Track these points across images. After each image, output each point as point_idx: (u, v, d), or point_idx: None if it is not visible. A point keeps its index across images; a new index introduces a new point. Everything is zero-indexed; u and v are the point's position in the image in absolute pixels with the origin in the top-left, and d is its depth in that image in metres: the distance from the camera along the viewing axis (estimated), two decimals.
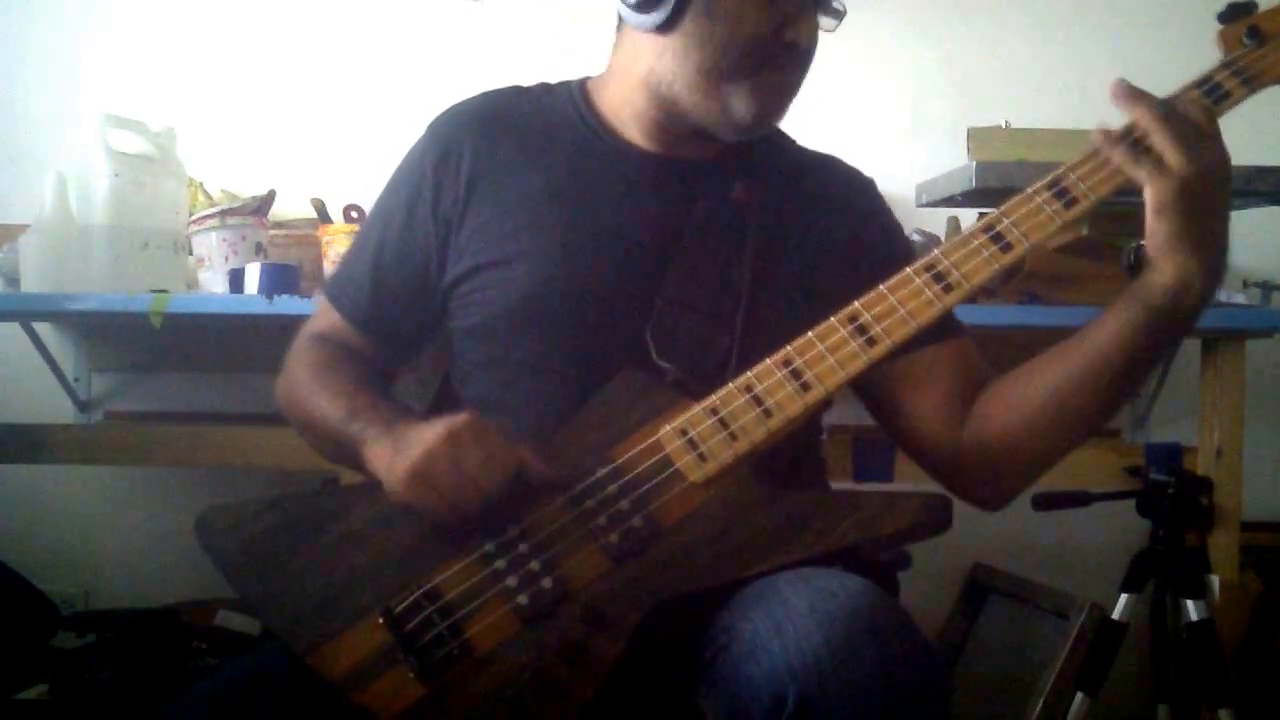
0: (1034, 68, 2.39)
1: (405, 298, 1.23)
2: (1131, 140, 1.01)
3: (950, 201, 2.05)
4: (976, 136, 2.01)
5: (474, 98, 1.26)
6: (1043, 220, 1.03)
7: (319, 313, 1.29)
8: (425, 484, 0.99)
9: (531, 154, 1.20)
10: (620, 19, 1.18)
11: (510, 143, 1.20)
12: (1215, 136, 1.01)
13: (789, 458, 1.13)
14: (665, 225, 1.16)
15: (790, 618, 0.89)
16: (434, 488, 0.99)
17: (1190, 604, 1.87)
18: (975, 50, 2.42)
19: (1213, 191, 1.00)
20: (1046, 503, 1.87)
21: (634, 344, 1.11)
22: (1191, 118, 1.00)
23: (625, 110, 1.20)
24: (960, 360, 1.17)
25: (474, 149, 1.20)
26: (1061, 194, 1.03)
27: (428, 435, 1.00)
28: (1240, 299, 2.04)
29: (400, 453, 1.01)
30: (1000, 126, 2.03)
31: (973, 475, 1.15)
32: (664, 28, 1.11)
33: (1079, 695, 1.91)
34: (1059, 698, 1.98)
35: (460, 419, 1.00)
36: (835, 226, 1.21)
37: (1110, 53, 2.39)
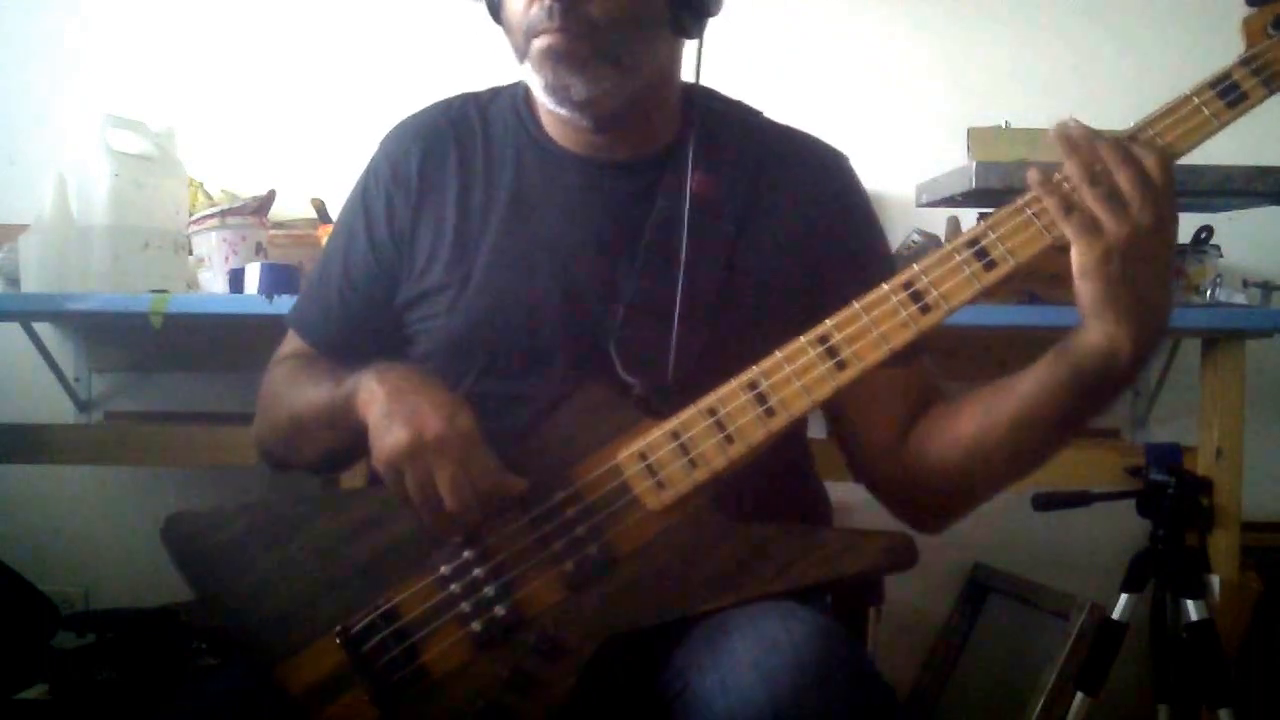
0: (1034, 68, 2.39)
1: (372, 321, 1.20)
2: (1062, 188, 0.94)
3: (950, 201, 2.05)
4: (976, 136, 2.01)
5: (422, 110, 1.23)
6: (1033, 236, 0.96)
7: (286, 340, 1.27)
8: (396, 476, 0.97)
9: (475, 170, 1.16)
10: None
11: (456, 158, 1.17)
12: (1161, 192, 0.92)
13: (773, 459, 1.09)
14: (620, 230, 1.11)
15: (734, 671, 0.87)
16: (402, 483, 0.97)
17: (1190, 604, 1.87)
18: (975, 50, 2.42)
19: (1148, 255, 0.92)
20: (1046, 503, 1.87)
21: (598, 359, 1.07)
22: (1129, 172, 0.92)
23: (551, 115, 1.16)
24: (917, 383, 1.14)
25: (420, 166, 1.17)
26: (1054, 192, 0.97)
27: (417, 425, 0.96)
28: (1240, 299, 2.04)
29: (390, 418, 0.98)
30: (1000, 126, 2.03)
31: (909, 502, 1.13)
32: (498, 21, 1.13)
33: (1079, 695, 1.90)
34: (1059, 698, 1.98)
35: (458, 426, 0.97)
36: (798, 213, 1.15)
37: (1111, 52, 2.39)
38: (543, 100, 1.11)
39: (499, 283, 1.11)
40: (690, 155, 1.12)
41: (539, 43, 1.06)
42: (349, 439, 1.06)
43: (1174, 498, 1.89)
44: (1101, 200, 0.92)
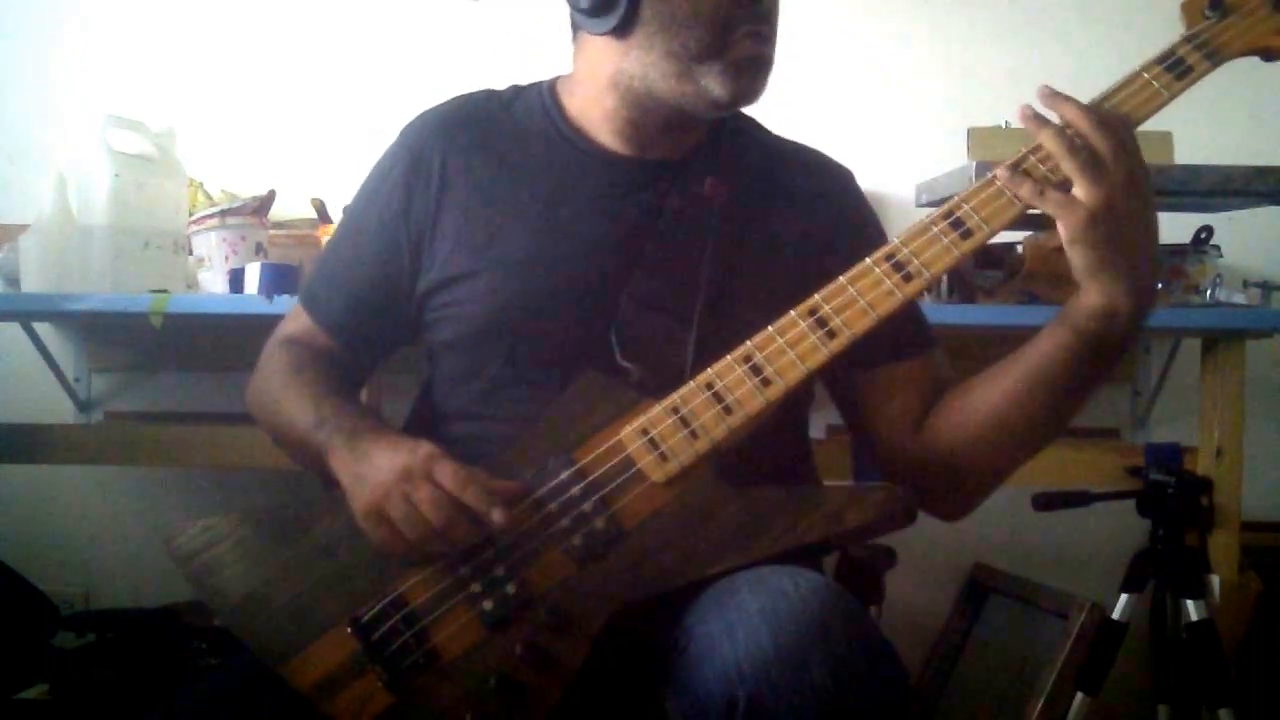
0: (1034, 68, 2.39)
1: (378, 306, 1.22)
2: (1034, 170, 1.00)
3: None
4: (976, 136, 2.01)
5: (445, 103, 1.24)
6: (1003, 205, 1.01)
7: (293, 314, 1.29)
8: (380, 521, 1.00)
9: (502, 161, 1.18)
10: (575, 25, 1.17)
11: (480, 150, 1.19)
12: (1128, 152, 0.98)
13: (773, 458, 1.13)
14: (635, 227, 1.15)
15: (742, 619, 0.89)
16: (389, 525, 1.00)
17: (1190, 604, 1.87)
18: (975, 50, 2.42)
19: (1128, 213, 0.97)
20: (1046, 503, 1.87)
21: (600, 346, 1.10)
22: (1100, 135, 0.97)
23: (595, 112, 1.17)
24: (926, 374, 1.17)
25: (443, 157, 1.18)
26: (1022, 178, 1.01)
27: (383, 468, 1.01)
28: (1240, 299, 2.04)
29: (358, 480, 1.02)
30: (1000, 126, 2.03)
31: (928, 488, 1.13)
32: (623, 29, 1.09)
33: (1079, 695, 1.91)
34: (1059, 698, 1.98)
35: (419, 454, 1.00)
36: (807, 220, 1.19)
37: (1111, 52, 2.39)
38: (680, 99, 1.10)
39: (526, 272, 1.14)
40: (706, 161, 1.17)
41: (743, 51, 1.08)
42: (323, 471, 1.11)
43: (1174, 498, 1.90)
44: (1081, 169, 0.96)
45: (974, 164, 1.90)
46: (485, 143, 1.19)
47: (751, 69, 1.10)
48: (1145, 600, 1.92)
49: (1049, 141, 0.98)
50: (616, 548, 1.00)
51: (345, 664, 1.00)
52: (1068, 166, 0.97)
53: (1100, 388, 1.06)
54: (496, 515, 0.99)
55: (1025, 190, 1.00)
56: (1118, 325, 1.00)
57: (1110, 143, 0.97)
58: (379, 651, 0.99)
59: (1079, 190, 0.97)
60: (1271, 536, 2.25)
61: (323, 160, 2.34)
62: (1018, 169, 1.01)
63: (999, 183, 1.01)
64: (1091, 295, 1.00)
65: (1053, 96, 1.00)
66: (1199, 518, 1.95)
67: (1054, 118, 1.01)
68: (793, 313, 1.03)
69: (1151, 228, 1.00)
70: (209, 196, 2.21)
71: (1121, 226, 0.97)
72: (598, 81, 1.15)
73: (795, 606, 0.88)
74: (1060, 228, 0.98)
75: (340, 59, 2.42)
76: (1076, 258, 0.99)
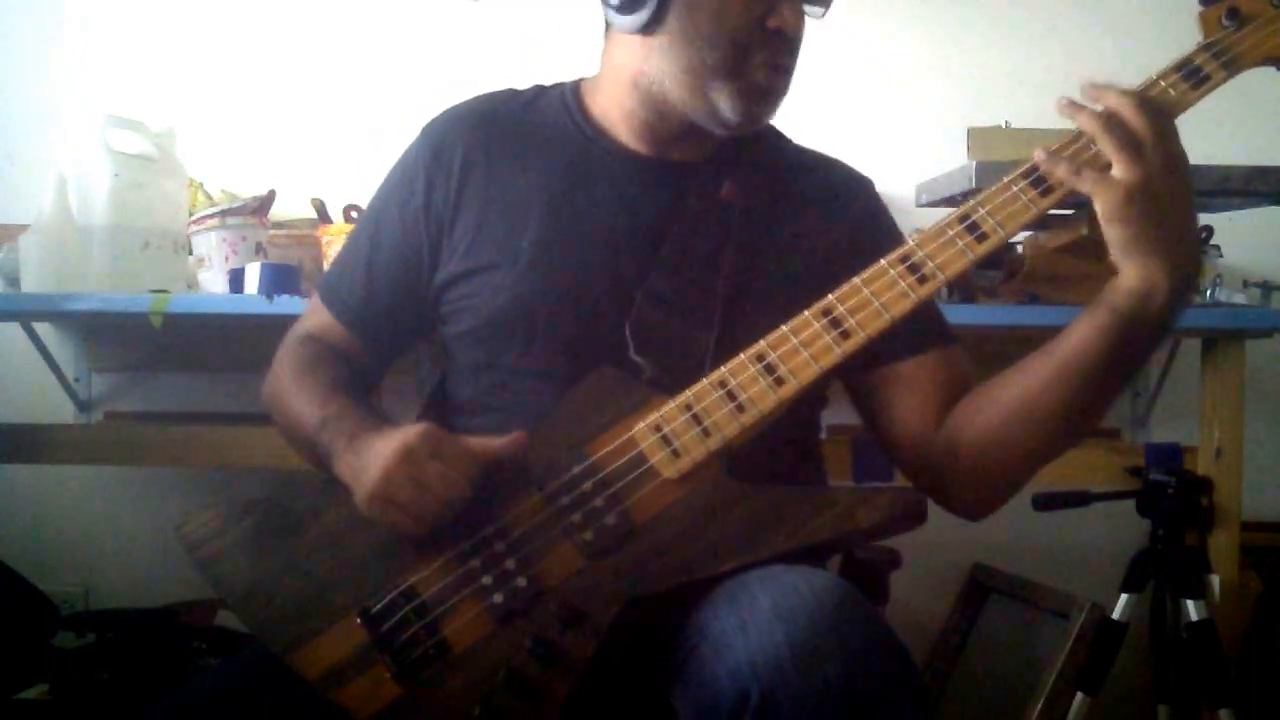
0: (1034, 68, 2.39)
1: (397, 300, 1.23)
2: (1073, 151, 1.01)
3: (950, 201, 2.05)
4: (976, 136, 2.01)
5: (468, 100, 1.27)
6: (1019, 209, 1.02)
7: (311, 310, 1.30)
8: (388, 504, 1.00)
9: (523, 157, 1.20)
10: (607, 23, 1.18)
11: (502, 145, 1.21)
12: (1166, 136, 0.99)
13: (782, 460, 1.13)
14: (653, 226, 1.16)
15: (755, 615, 0.89)
16: (397, 506, 1.00)
17: (1190, 604, 1.87)
18: (975, 50, 2.42)
19: (1166, 192, 0.98)
20: (1046, 503, 1.87)
21: (615, 342, 1.11)
22: (1141, 117, 0.98)
23: (615, 112, 1.20)
24: (946, 370, 1.17)
25: (466, 151, 1.21)
26: (1037, 182, 1.03)
27: (384, 453, 1.00)
28: (1240, 299, 2.04)
29: (361, 472, 1.02)
30: (1000, 126, 2.03)
31: (951, 481, 1.13)
32: (649, 28, 1.12)
33: (1079, 695, 1.91)
34: (1059, 698, 1.98)
35: (414, 432, 1.01)
36: (826, 228, 1.20)
37: (1110, 52, 2.39)
38: (691, 112, 1.14)
39: (542, 266, 1.15)
40: (725, 164, 1.18)
41: (759, 77, 1.11)
42: (330, 471, 1.11)
43: (1174, 498, 1.89)
44: (1119, 146, 0.97)
45: (974, 164, 1.90)
46: (506, 139, 1.21)
47: (765, 94, 1.13)
48: (1145, 600, 1.92)
49: (1087, 123, 0.99)
50: (627, 543, 1.00)
51: (354, 655, 1.00)
52: (1105, 145, 0.98)
53: (1133, 379, 1.06)
54: (513, 450, 1.02)
55: (1062, 170, 1.00)
56: (1155, 303, 1.00)
57: (1150, 124, 0.98)
58: (388, 643, 0.99)
59: (1117, 168, 0.98)
60: (1271, 536, 2.25)
61: (323, 160, 2.33)
62: (1055, 152, 1.01)
63: (1038, 162, 1.02)
64: (1129, 274, 1.00)
65: (1096, 87, 1.02)
66: (1199, 518, 1.95)
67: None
68: (807, 313, 1.04)
69: (1189, 209, 1.01)
70: (209, 196, 2.21)
71: (1159, 205, 0.98)
72: (620, 81, 1.18)
73: (808, 603, 0.88)
74: (1097, 205, 0.99)
75: (340, 59, 2.42)
76: (1113, 235, 0.99)
